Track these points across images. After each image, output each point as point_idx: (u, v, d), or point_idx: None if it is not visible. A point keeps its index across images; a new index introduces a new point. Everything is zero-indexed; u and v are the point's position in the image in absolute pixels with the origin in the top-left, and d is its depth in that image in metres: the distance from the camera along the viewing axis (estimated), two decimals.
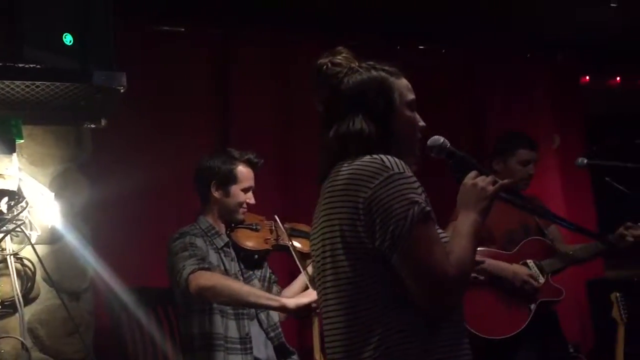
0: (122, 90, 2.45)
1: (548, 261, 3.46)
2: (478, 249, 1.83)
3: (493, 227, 3.37)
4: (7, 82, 2.32)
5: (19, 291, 2.63)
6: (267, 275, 3.21)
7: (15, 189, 2.60)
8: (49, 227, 2.70)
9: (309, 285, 2.88)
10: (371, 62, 1.86)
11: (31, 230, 2.65)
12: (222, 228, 3.10)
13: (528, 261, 3.44)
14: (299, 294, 2.98)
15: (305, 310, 2.81)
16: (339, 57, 1.86)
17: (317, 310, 2.72)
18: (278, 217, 3.14)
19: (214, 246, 3.04)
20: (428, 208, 1.70)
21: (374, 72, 1.84)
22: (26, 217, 2.63)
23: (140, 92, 3.24)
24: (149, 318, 3.02)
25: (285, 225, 3.12)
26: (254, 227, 3.15)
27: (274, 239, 3.14)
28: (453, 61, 4.63)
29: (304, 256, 2.97)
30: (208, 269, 2.87)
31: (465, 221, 1.81)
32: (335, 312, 1.77)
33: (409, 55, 4.34)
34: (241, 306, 2.94)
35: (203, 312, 2.92)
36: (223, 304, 2.91)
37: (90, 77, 2.37)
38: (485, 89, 4.73)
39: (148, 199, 3.60)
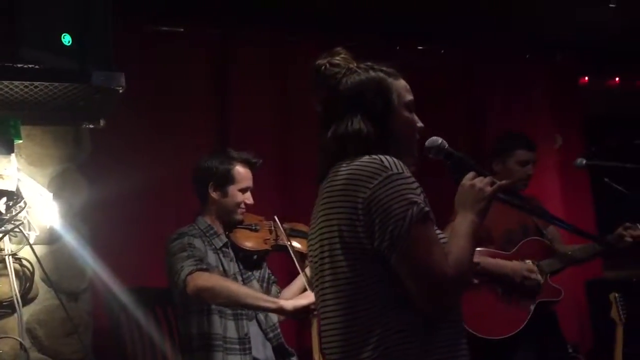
0: (120, 91, 2.44)
1: (547, 261, 3.46)
2: (477, 249, 1.83)
3: (492, 228, 3.37)
4: (5, 83, 2.31)
5: (17, 291, 2.63)
6: (266, 275, 3.20)
7: (13, 189, 2.60)
8: (48, 227, 2.70)
9: (307, 287, 2.87)
10: (369, 63, 1.86)
11: (30, 230, 2.65)
12: (220, 228, 3.10)
13: (527, 261, 3.44)
14: (297, 296, 2.98)
15: (303, 312, 2.81)
16: (338, 58, 1.86)
17: (315, 312, 2.71)
18: (277, 217, 3.14)
19: (213, 247, 3.04)
20: (427, 208, 1.70)
21: (372, 73, 1.84)
22: (25, 217, 2.63)
23: (139, 92, 3.23)
24: (148, 318, 3.02)
25: (284, 226, 3.12)
26: (253, 228, 3.14)
27: (273, 239, 3.13)
28: (452, 61, 4.63)
29: (303, 257, 2.97)
30: (206, 270, 2.86)
31: (463, 222, 1.81)
32: (334, 312, 1.76)
33: (408, 56, 4.34)
34: (239, 307, 2.93)
35: (202, 313, 2.92)
36: (221, 305, 2.90)
37: (88, 78, 2.37)
38: (485, 89, 4.73)
39: (147, 199, 3.60)
